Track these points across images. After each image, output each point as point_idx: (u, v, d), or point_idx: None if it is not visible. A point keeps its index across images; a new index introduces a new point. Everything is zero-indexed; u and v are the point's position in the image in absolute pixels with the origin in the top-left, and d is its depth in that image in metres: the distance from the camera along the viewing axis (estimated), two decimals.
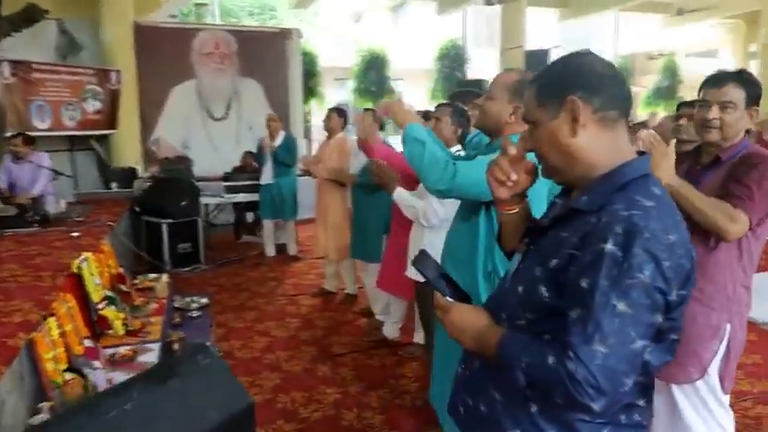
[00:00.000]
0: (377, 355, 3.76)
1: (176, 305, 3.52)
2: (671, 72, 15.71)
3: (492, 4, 10.19)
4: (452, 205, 2.63)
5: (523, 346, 1.05)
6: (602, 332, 0.95)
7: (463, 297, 1.30)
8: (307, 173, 5.02)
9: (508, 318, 1.17)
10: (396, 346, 3.89)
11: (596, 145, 1.09)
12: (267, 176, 6.08)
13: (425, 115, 3.91)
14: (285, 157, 6.01)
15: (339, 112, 4.84)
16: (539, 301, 1.09)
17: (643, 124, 7.46)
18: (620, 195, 1.03)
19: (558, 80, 1.11)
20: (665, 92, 15.55)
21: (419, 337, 3.84)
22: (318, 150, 5.03)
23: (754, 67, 13.54)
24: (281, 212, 6.23)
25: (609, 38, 15.13)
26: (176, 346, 2.95)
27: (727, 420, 2.02)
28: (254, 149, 8.14)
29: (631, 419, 1.11)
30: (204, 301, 3.59)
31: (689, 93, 7.47)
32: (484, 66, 12.72)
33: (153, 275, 3.81)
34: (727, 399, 2.02)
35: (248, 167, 7.72)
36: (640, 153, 1.16)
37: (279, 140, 6.01)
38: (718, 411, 1.97)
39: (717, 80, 1.87)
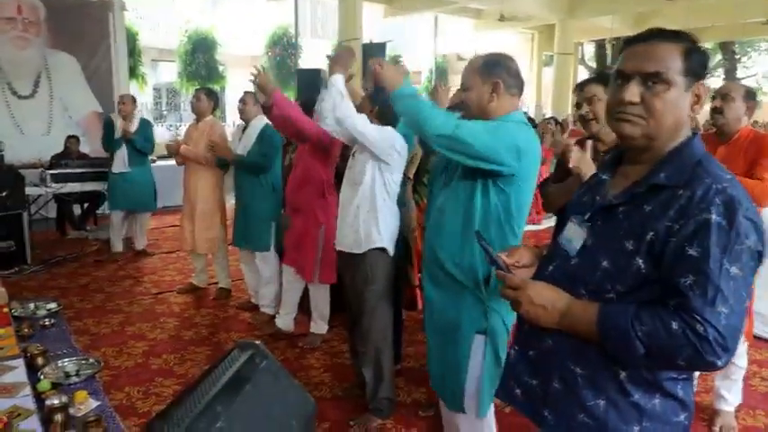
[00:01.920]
0: (276, 349, 3.58)
1: (16, 314, 2.97)
2: None
3: None
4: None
5: (633, 315, 1.09)
6: (722, 295, 1.03)
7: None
8: (174, 156, 4.49)
9: (591, 292, 1.19)
10: (292, 337, 3.75)
11: (686, 124, 1.20)
12: (121, 164, 5.42)
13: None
14: (144, 145, 5.43)
15: (209, 92, 4.47)
16: (634, 273, 1.13)
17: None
18: (702, 170, 1.12)
19: (704, 62, 1.18)
20: None
21: (315, 327, 3.74)
22: (185, 135, 4.59)
23: (548, 72, 15.55)
24: (136, 204, 5.63)
25: (428, 37, 16.08)
26: (40, 361, 2.51)
27: None
28: (74, 132, 7.17)
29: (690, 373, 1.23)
30: (53, 306, 3.07)
31: None
32: (317, 56, 12.69)
33: None
34: None
35: (73, 153, 6.80)
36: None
37: (135, 125, 5.39)
38: None
39: (582, 83, 2.12)
